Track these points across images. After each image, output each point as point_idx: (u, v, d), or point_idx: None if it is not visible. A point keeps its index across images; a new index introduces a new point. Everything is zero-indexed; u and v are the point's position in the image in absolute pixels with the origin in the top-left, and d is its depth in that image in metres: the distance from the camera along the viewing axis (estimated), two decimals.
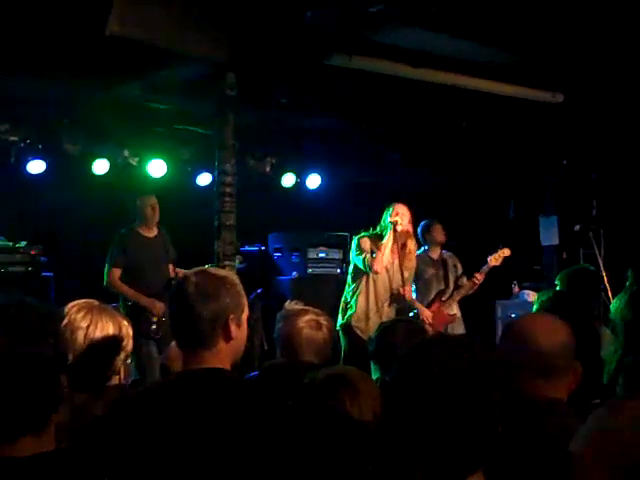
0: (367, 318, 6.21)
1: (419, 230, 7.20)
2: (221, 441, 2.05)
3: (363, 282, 6.28)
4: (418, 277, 7.12)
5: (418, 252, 7.06)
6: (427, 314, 6.99)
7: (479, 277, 7.09)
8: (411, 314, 6.90)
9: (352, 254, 6.40)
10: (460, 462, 1.58)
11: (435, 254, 7.33)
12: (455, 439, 1.57)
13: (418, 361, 1.66)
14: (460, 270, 7.39)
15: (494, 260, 7.11)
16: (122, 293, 6.48)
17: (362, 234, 6.40)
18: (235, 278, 2.35)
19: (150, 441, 2.05)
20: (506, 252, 7.16)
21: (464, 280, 7.28)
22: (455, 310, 7.23)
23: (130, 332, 2.76)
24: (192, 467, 2.02)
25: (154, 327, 6.36)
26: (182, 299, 2.23)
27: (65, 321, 2.62)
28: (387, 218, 6.30)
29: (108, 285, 6.47)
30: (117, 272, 6.50)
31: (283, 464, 2.03)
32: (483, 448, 1.60)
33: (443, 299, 7.18)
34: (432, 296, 7.20)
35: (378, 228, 6.39)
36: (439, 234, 7.29)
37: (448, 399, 1.58)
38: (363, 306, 6.25)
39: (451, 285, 7.27)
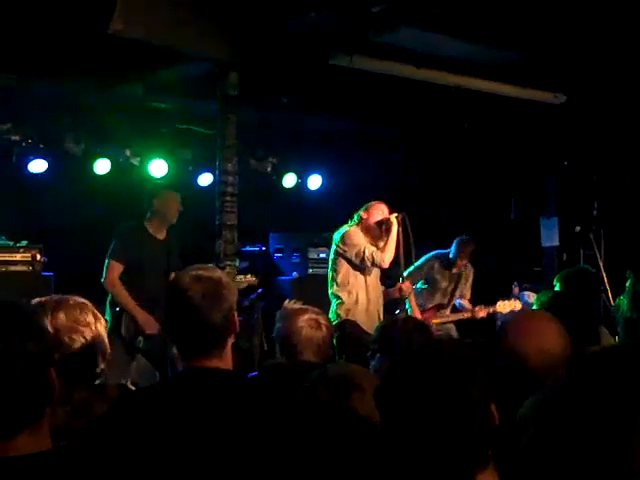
0: (367, 311, 6.09)
1: (454, 242, 7.15)
2: (232, 442, 2.05)
3: (359, 276, 6.09)
4: (430, 283, 7.21)
5: (440, 257, 7.14)
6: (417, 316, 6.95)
7: (482, 313, 7.05)
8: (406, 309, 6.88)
9: (344, 247, 6.06)
10: (456, 459, 1.58)
11: (456, 269, 7.23)
12: (443, 438, 1.58)
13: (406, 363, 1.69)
14: (469, 284, 7.36)
15: (501, 307, 7.01)
16: (120, 299, 5.84)
17: (349, 228, 6.13)
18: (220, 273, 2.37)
19: (157, 440, 2.04)
20: (517, 306, 7.03)
21: (467, 296, 7.33)
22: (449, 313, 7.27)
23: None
24: (198, 467, 2.01)
25: (139, 339, 5.79)
26: (191, 311, 2.20)
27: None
28: (360, 214, 6.14)
29: (107, 283, 5.88)
30: (118, 269, 5.88)
31: (292, 463, 2.02)
32: (474, 445, 1.60)
33: (438, 312, 7.19)
34: (431, 305, 7.21)
35: (355, 219, 6.18)
36: (468, 253, 7.15)
37: (432, 398, 1.60)
38: (364, 300, 6.11)
39: (454, 300, 7.30)
